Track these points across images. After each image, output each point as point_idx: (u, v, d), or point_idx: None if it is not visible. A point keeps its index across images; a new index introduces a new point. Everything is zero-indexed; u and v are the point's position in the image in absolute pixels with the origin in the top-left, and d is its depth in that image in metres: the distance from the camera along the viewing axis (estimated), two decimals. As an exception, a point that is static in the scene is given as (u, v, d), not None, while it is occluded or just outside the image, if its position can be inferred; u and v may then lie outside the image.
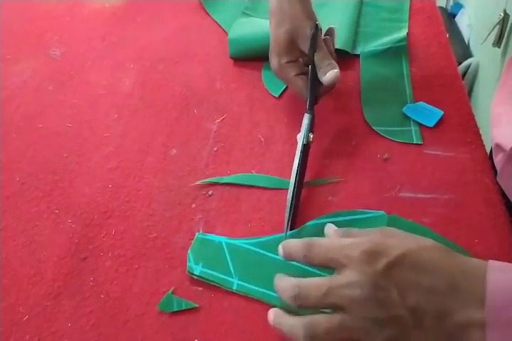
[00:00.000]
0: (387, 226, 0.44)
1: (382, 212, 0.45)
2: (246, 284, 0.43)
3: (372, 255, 0.33)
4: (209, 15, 0.73)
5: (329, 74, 0.51)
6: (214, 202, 0.50)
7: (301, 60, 0.55)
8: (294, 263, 0.40)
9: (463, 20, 1.41)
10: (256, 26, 0.66)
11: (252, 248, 0.45)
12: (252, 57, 0.64)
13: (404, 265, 0.33)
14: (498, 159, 0.48)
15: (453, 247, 0.43)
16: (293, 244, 0.38)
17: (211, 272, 0.44)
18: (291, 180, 0.48)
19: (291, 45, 0.53)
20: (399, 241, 0.35)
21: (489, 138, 0.57)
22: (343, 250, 0.35)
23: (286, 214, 0.46)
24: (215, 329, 0.41)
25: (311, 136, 0.50)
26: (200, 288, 0.44)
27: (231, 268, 0.44)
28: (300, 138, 0.50)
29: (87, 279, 0.45)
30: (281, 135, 0.55)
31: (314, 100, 0.52)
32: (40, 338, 0.42)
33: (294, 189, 0.47)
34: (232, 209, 0.49)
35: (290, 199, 0.47)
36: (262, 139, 0.55)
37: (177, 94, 0.62)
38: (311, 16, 0.53)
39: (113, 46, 0.69)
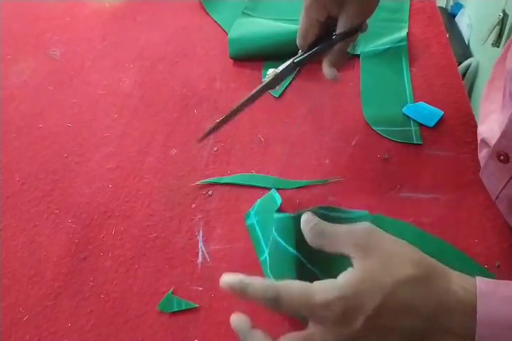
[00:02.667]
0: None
1: (365, 212, 0.45)
2: (269, 263, 0.41)
3: (347, 315, 0.31)
4: (209, 15, 0.73)
5: (332, 71, 0.47)
6: (214, 202, 0.50)
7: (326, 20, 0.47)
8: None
9: (463, 20, 1.41)
10: (256, 26, 0.66)
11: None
12: (252, 57, 0.64)
13: (382, 315, 0.31)
14: (482, 155, 0.48)
15: (440, 245, 0.43)
16: (259, 289, 0.33)
17: (258, 230, 0.42)
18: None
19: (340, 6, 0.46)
20: (374, 280, 0.32)
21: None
22: (314, 311, 0.32)
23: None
24: (215, 329, 0.41)
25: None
26: (200, 288, 0.44)
27: (269, 236, 0.41)
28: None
29: (87, 279, 0.45)
30: (281, 135, 0.55)
31: (310, 56, 0.47)
32: (40, 338, 0.42)
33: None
34: (232, 209, 0.49)
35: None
36: (262, 139, 0.55)
37: (177, 94, 0.62)
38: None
39: (113, 46, 0.69)
